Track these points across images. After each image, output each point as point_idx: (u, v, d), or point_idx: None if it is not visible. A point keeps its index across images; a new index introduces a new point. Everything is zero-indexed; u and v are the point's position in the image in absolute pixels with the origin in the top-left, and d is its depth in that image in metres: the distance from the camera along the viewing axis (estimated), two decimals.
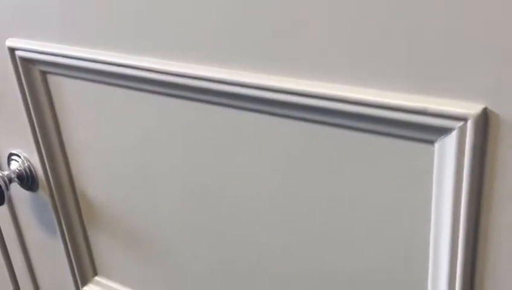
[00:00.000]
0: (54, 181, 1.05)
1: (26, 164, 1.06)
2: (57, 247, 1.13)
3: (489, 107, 0.58)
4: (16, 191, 1.13)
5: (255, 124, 0.76)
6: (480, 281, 0.66)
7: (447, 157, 0.62)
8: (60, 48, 0.90)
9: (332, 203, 0.74)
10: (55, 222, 1.09)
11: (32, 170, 1.06)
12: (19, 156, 1.07)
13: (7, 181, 1.05)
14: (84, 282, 1.16)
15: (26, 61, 0.95)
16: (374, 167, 0.69)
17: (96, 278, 1.15)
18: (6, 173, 1.06)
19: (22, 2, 0.92)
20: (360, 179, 0.71)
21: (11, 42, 0.94)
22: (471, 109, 0.58)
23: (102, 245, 1.09)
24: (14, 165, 1.07)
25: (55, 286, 1.22)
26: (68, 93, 0.95)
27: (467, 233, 0.63)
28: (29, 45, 0.93)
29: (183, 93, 0.80)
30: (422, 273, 0.70)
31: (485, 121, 0.58)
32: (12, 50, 0.95)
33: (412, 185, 0.67)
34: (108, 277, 1.13)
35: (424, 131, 0.63)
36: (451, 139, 0.61)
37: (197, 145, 0.84)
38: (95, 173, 1.01)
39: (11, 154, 1.08)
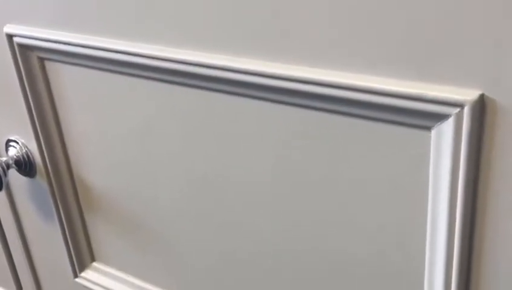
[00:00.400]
0: (51, 167, 1.05)
1: (24, 150, 1.06)
2: (54, 233, 1.13)
3: (486, 94, 0.58)
4: (14, 177, 1.13)
5: (256, 111, 0.76)
6: (477, 267, 0.67)
7: (444, 144, 0.62)
8: (58, 34, 0.89)
9: (331, 189, 0.74)
10: (53, 208, 1.09)
11: (30, 156, 1.06)
12: (17, 142, 1.07)
13: (5, 167, 1.06)
14: (82, 268, 1.16)
15: (24, 47, 0.95)
16: (371, 153, 0.69)
17: (94, 264, 1.16)
18: (4, 159, 1.06)
19: None
20: (358, 165, 0.71)
21: (9, 28, 0.94)
22: (468, 95, 0.58)
23: (100, 231, 1.09)
24: (12, 151, 1.07)
25: (53, 271, 1.22)
26: (66, 80, 0.95)
27: (464, 219, 0.64)
28: (28, 32, 0.93)
29: (183, 80, 0.80)
30: (419, 258, 0.70)
31: (481, 107, 0.59)
32: (10, 36, 0.95)
33: (409, 171, 0.67)
34: (106, 263, 1.14)
35: (421, 117, 0.63)
36: (448, 126, 0.61)
37: (197, 132, 0.84)
38: (93, 159, 1.01)
39: (9, 140, 1.08)
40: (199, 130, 0.83)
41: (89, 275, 1.16)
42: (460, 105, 0.59)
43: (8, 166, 1.06)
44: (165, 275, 1.04)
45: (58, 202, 1.08)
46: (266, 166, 0.79)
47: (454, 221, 0.64)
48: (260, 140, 0.78)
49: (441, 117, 0.61)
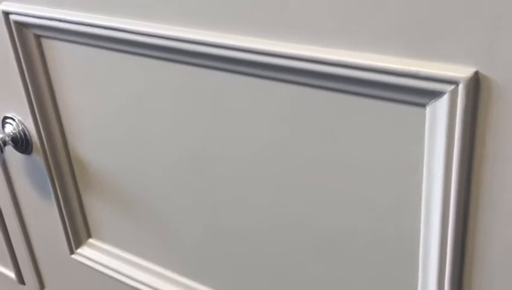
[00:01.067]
0: (48, 144, 1.05)
1: (21, 127, 1.07)
2: (51, 209, 1.14)
3: (481, 71, 0.58)
4: (11, 154, 1.13)
5: (247, 87, 0.77)
6: (471, 240, 0.67)
7: (439, 121, 0.63)
8: (54, 11, 0.89)
9: (326, 166, 0.75)
10: (49, 184, 1.10)
11: (27, 133, 1.06)
12: (14, 120, 1.07)
13: (1, 144, 1.06)
14: (78, 244, 1.17)
15: (20, 25, 0.95)
16: (366, 130, 0.70)
17: (90, 240, 1.16)
18: (0, 136, 1.07)
19: None
20: (353, 142, 0.71)
21: (5, 6, 0.94)
22: (463, 72, 0.59)
23: (96, 208, 1.10)
24: (9, 129, 1.07)
25: (49, 248, 1.23)
26: (62, 57, 0.95)
27: (458, 195, 0.64)
28: (24, 9, 0.93)
29: (176, 57, 0.81)
30: (414, 233, 0.71)
31: (476, 85, 0.59)
32: (6, 14, 0.95)
33: (404, 147, 0.67)
34: (102, 239, 1.14)
35: (415, 94, 0.63)
36: (442, 103, 0.61)
37: (189, 108, 0.84)
38: (89, 136, 1.01)
39: (6, 117, 1.08)
40: (192, 106, 0.84)
41: (85, 251, 1.16)
42: (454, 82, 0.59)
43: (5, 143, 1.07)
44: (160, 252, 1.04)
45: (55, 178, 1.09)
46: (258, 142, 0.80)
47: (449, 197, 0.65)
48: (252, 116, 0.79)
49: (435, 94, 0.61)
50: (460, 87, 0.59)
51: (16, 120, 1.07)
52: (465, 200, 0.65)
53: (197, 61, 0.79)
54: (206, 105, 0.82)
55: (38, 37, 0.96)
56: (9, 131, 1.07)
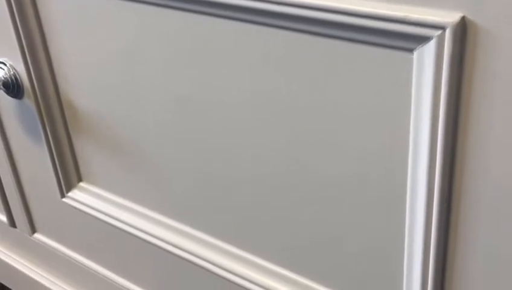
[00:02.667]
0: (39, 89, 1.06)
1: (12, 72, 1.07)
2: (42, 153, 1.15)
3: (468, 16, 0.59)
4: (2, 98, 1.14)
5: (239, 33, 0.77)
6: (458, 182, 0.68)
7: (426, 66, 0.63)
8: None
9: (315, 111, 0.76)
10: (41, 129, 1.10)
11: (18, 77, 1.07)
12: (5, 64, 1.07)
13: None
14: (69, 188, 1.18)
15: None
16: (353, 75, 0.70)
17: (81, 184, 1.17)
18: None
19: None
20: (340, 87, 0.72)
21: None
22: (450, 17, 0.59)
23: (87, 152, 1.11)
24: (0, 73, 1.07)
25: (40, 191, 1.24)
26: (54, 3, 0.95)
27: (446, 139, 0.65)
28: None
29: (169, 2, 0.81)
30: (401, 180, 0.72)
31: (463, 30, 0.60)
32: None
33: (392, 92, 0.68)
34: (93, 183, 1.15)
35: (403, 39, 0.64)
36: (429, 48, 0.62)
37: (183, 55, 0.85)
38: (80, 81, 1.02)
39: None
40: (185, 52, 0.84)
41: (75, 195, 1.17)
42: (441, 27, 0.60)
43: None
44: (150, 195, 1.05)
45: (46, 123, 1.09)
46: (250, 88, 0.80)
47: (436, 141, 0.66)
48: (244, 63, 0.79)
49: (422, 39, 0.62)
50: (447, 32, 0.60)
51: (8, 65, 1.07)
52: (452, 143, 0.66)
53: (190, 7, 0.79)
54: (200, 51, 0.82)
55: None
56: (1, 75, 1.07)
